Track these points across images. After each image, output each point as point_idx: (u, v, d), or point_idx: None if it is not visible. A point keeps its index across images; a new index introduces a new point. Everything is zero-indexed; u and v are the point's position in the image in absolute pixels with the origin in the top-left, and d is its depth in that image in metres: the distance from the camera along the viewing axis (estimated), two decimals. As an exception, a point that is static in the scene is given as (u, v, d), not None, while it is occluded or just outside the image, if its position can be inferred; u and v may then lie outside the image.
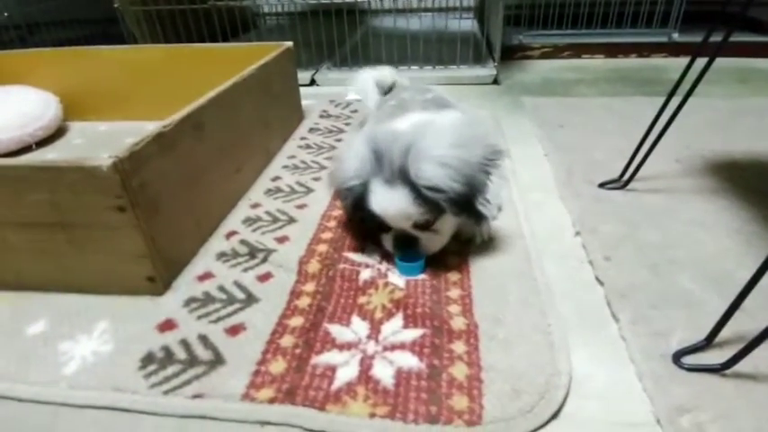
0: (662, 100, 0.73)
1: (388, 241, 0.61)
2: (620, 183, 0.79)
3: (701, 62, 0.67)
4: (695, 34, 1.52)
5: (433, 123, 0.58)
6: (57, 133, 1.11)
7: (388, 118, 0.78)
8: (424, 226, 0.58)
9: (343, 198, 0.62)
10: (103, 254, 0.57)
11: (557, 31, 1.66)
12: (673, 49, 1.56)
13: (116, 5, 1.39)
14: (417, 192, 0.54)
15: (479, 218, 0.60)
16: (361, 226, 0.64)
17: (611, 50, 1.60)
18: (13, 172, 0.53)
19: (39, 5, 1.71)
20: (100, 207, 0.53)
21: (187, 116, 0.64)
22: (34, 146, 1.05)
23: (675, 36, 1.56)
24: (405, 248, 0.60)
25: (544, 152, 0.95)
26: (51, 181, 0.53)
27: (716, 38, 0.66)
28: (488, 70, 1.39)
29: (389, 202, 0.55)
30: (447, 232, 0.61)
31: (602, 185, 0.80)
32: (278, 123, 0.99)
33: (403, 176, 0.54)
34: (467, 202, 0.55)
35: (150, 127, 0.59)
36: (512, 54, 1.62)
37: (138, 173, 0.54)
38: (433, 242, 0.60)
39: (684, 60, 0.72)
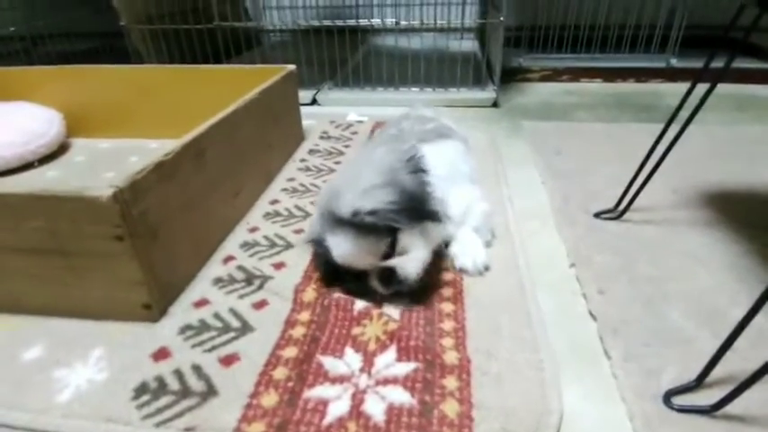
0: (659, 127, 0.74)
1: (374, 281, 0.61)
2: (616, 213, 0.80)
3: (699, 88, 0.67)
4: (693, 60, 1.54)
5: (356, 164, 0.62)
6: (59, 150, 1.12)
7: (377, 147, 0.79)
8: (389, 253, 0.58)
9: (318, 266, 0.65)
10: (100, 281, 0.57)
11: (556, 55, 1.68)
12: (671, 75, 1.58)
13: (122, 23, 1.41)
14: (356, 226, 0.55)
15: (438, 219, 0.60)
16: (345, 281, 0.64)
17: (610, 75, 1.62)
18: (12, 199, 0.54)
19: (45, 20, 1.74)
20: (98, 236, 0.54)
21: (189, 144, 0.65)
22: (36, 163, 1.06)
23: (674, 61, 1.58)
24: (390, 282, 0.59)
25: (541, 179, 0.95)
26: (50, 209, 0.53)
27: (715, 64, 0.66)
28: (488, 93, 1.41)
29: (341, 249, 0.57)
30: (419, 250, 0.60)
31: (597, 215, 0.81)
32: (278, 146, 1.00)
33: (338, 221, 0.56)
34: (408, 208, 0.56)
35: (153, 145, 0.60)
36: (512, 76, 1.64)
37: (138, 202, 0.55)
38: (410, 264, 0.59)
39: (682, 86, 0.72)
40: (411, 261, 0.59)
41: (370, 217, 0.55)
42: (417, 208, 0.57)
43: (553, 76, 1.64)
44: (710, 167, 0.97)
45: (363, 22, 1.50)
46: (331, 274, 0.63)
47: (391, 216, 0.55)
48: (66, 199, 0.52)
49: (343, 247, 0.57)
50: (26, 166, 1.04)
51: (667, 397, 0.48)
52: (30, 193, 0.53)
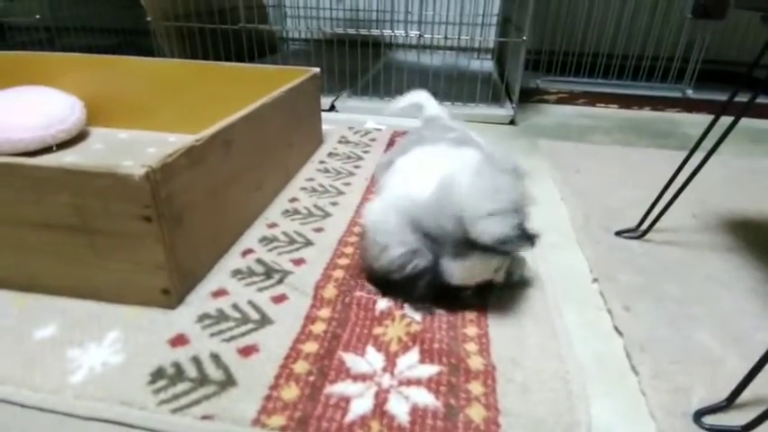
0: (675, 153, 0.75)
1: (468, 293, 0.61)
2: (638, 232, 0.80)
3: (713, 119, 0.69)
4: (709, 92, 1.56)
5: (457, 177, 0.57)
6: (78, 137, 1.12)
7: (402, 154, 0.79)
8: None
9: (410, 288, 0.59)
10: (122, 262, 0.56)
11: (573, 79, 1.70)
12: (686, 105, 1.60)
13: (148, 19, 1.43)
14: (487, 249, 0.54)
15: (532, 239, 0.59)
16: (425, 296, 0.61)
17: (626, 101, 1.63)
18: (40, 172, 0.53)
19: (70, 11, 1.76)
20: (126, 215, 0.53)
21: (219, 132, 0.65)
22: (54, 147, 1.05)
23: (690, 92, 1.60)
24: (484, 293, 0.62)
25: (560, 196, 0.95)
26: (79, 185, 0.53)
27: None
28: (506, 111, 1.42)
29: (470, 272, 0.57)
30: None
31: (618, 234, 0.80)
32: (299, 146, 1.00)
33: (470, 244, 0.54)
34: (525, 237, 0.57)
35: (171, 139, 0.59)
36: (528, 97, 1.65)
37: (167, 184, 0.54)
38: (500, 275, 0.62)
39: (697, 116, 0.74)
40: (501, 273, 0.62)
41: (507, 245, 0.54)
42: (529, 237, 0.58)
43: (569, 99, 1.65)
44: (728, 195, 0.97)
45: (387, 32, 1.52)
46: (430, 292, 0.59)
47: (518, 244, 0.56)
48: (97, 175, 0.52)
49: (467, 270, 0.56)
50: (44, 150, 1.03)
51: (698, 416, 0.47)
52: (59, 167, 0.52)
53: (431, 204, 0.56)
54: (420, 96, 1.04)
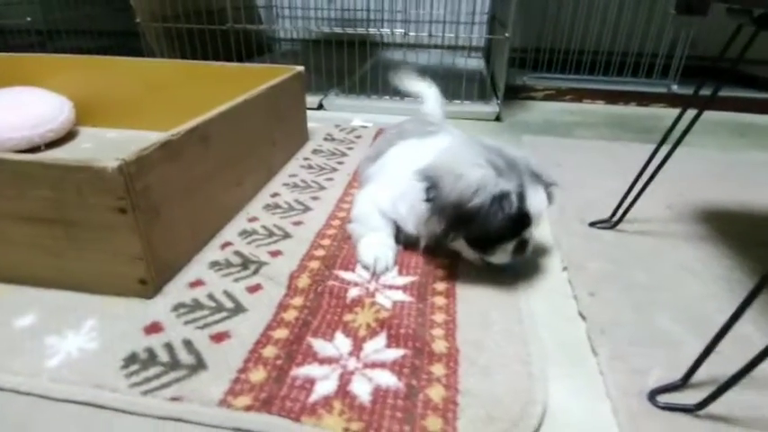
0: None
1: (504, 252, 0.64)
2: (611, 223, 0.81)
3: (706, 114, 0.70)
4: (694, 87, 1.57)
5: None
6: (66, 137, 1.14)
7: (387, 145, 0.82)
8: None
9: (491, 213, 0.59)
10: (100, 253, 0.58)
11: (560, 75, 1.72)
12: (671, 100, 1.61)
13: (137, 20, 1.45)
14: (547, 185, 0.67)
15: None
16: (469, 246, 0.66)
17: (612, 97, 1.65)
18: (20, 167, 0.55)
19: (62, 14, 1.78)
20: (102, 207, 0.55)
21: (195, 127, 0.67)
22: (43, 147, 1.07)
23: (675, 88, 1.61)
24: (521, 253, 0.65)
25: (539, 189, 0.97)
26: (57, 178, 0.55)
27: (707, 92, 0.69)
28: (491, 107, 1.44)
29: (543, 201, 0.64)
30: None
31: (592, 224, 0.82)
32: (282, 142, 1.02)
33: (536, 178, 0.64)
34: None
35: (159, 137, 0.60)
36: (515, 94, 1.67)
37: (143, 177, 0.56)
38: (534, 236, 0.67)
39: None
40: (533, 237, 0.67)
41: (553, 186, 0.69)
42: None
43: (556, 95, 1.67)
44: (705, 187, 0.99)
45: (373, 31, 1.54)
46: (509, 223, 0.61)
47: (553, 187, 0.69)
48: (74, 168, 0.53)
49: (544, 201, 0.65)
50: (33, 150, 1.05)
51: (652, 395, 0.49)
52: (38, 161, 0.54)
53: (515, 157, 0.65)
54: (426, 90, 1.08)
